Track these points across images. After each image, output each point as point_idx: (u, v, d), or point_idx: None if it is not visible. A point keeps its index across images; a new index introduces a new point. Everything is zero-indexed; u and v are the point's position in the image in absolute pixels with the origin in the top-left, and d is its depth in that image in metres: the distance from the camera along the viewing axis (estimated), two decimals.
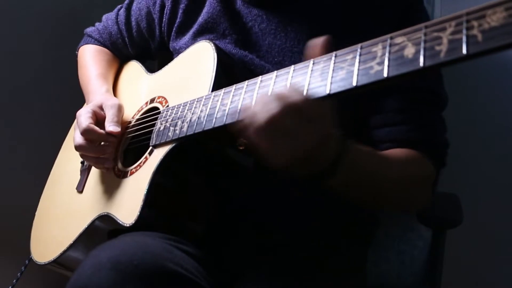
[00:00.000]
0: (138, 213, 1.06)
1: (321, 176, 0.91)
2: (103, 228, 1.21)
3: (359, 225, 1.26)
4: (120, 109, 1.27)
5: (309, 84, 0.82)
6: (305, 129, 0.81)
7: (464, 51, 0.62)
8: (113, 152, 1.25)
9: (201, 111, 1.03)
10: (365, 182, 1.00)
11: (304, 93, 0.82)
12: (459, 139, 1.74)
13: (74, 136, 1.24)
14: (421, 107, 1.13)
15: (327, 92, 0.78)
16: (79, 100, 1.45)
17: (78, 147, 1.23)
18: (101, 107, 1.27)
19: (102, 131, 1.21)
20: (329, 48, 0.85)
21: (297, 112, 0.80)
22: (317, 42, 0.87)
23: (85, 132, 1.20)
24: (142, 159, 1.16)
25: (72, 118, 1.32)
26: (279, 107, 0.80)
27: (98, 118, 1.25)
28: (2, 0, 1.73)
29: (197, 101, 1.06)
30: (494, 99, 1.80)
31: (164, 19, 1.37)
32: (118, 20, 1.50)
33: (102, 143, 1.23)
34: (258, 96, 0.89)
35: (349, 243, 1.24)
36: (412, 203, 1.15)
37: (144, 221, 1.07)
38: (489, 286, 1.82)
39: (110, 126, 1.21)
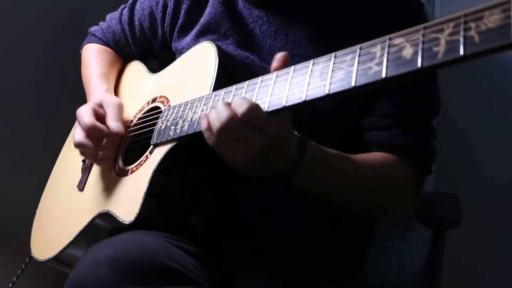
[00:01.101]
0: (138, 211, 1.06)
1: (282, 177, 0.96)
2: (103, 226, 1.22)
3: (359, 225, 1.26)
4: (120, 107, 1.28)
5: (308, 84, 0.83)
6: (251, 134, 0.89)
7: (461, 52, 0.62)
8: (113, 150, 1.26)
9: (202, 111, 1.03)
10: (329, 184, 1.04)
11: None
12: (459, 139, 1.75)
13: (75, 133, 1.24)
14: (409, 113, 1.14)
15: (326, 92, 0.79)
16: (79, 100, 1.44)
17: (78, 144, 1.23)
18: (100, 105, 1.28)
19: (105, 128, 1.22)
20: (287, 62, 0.94)
21: (242, 120, 0.89)
22: (277, 56, 0.95)
23: (89, 129, 1.20)
24: (143, 157, 1.16)
25: (72, 118, 1.32)
26: (228, 115, 0.89)
27: (98, 116, 1.25)
28: (2, 0, 1.73)
29: (198, 101, 1.07)
30: (494, 99, 1.80)
31: (166, 19, 1.38)
32: (122, 19, 1.51)
33: (104, 140, 1.23)
34: (213, 106, 0.98)
35: (349, 243, 1.24)
36: (385, 207, 1.16)
37: (143, 219, 1.07)
38: (489, 286, 1.82)
39: (114, 125, 1.22)
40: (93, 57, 1.51)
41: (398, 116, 1.14)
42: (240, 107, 0.89)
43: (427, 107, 1.17)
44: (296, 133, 0.97)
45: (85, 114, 1.23)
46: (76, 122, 1.27)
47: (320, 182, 1.02)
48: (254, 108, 0.88)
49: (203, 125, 0.95)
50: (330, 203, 1.10)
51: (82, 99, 1.45)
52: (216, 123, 0.91)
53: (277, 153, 0.92)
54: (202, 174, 1.16)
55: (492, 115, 1.79)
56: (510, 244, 1.78)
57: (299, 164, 0.95)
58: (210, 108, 1.02)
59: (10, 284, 1.53)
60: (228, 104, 0.91)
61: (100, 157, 1.25)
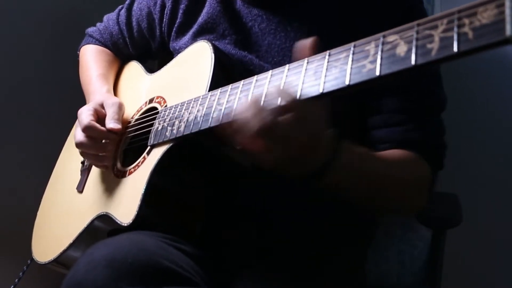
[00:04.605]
0: (136, 213, 1.06)
1: (314, 175, 0.92)
2: (103, 228, 1.22)
3: (358, 225, 1.25)
4: (120, 107, 1.28)
5: (303, 83, 0.82)
6: (297, 131, 0.83)
7: (455, 48, 0.61)
8: (113, 150, 1.26)
9: (197, 111, 1.03)
10: (359, 182, 1.01)
11: (298, 93, 0.83)
12: (459, 139, 1.74)
13: (75, 133, 1.25)
14: (419, 108, 1.13)
15: (320, 91, 0.78)
16: (79, 100, 1.45)
17: (78, 144, 1.24)
18: (102, 105, 1.28)
19: (103, 128, 1.22)
20: (316, 49, 0.87)
21: (289, 115, 0.82)
22: (305, 43, 0.89)
23: (86, 129, 1.21)
24: (141, 158, 1.16)
25: (72, 118, 1.33)
26: (272, 114, 0.82)
27: (99, 116, 1.26)
28: (2, 0, 1.73)
29: (194, 101, 1.07)
30: (494, 99, 1.79)
31: (164, 19, 1.38)
32: (119, 20, 1.51)
33: (103, 140, 1.24)
34: (251, 100, 0.89)
35: (349, 243, 1.24)
36: (408, 204, 1.14)
37: (142, 220, 1.07)
38: (489, 286, 1.82)
39: (111, 123, 1.23)
40: (92, 58, 1.51)
41: (408, 112, 1.12)
42: (287, 99, 0.82)
43: (435, 102, 1.16)
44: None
45: (84, 114, 1.24)
46: (77, 122, 1.28)
47: (350, 181, 0.99)
48: (302, 99, 0.83)
49: (238, 127, 0.87)
50: (356, 202, 1.08)
51: (82, 99, 1.45)
52: (255, 124, 0.84)
53: (317, 148, 0.89)
54: (200, 175, 1.16)
55: (492, 115, 1.79)
56: (510, 244, 1.78)
57: (335, 161, 0.92)
58: (202, 111, 1.01)
59: (12, 286, 1.53)
60: (269, 98, 0.85)
61: (100, 157, 1.25)
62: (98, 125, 1.22)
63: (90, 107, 1.26)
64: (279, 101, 0.83)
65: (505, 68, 1.76)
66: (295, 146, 0.85)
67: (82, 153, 1.27)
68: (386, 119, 1.14)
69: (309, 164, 0.91)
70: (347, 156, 0.93)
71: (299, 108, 0.83)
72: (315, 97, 0.81)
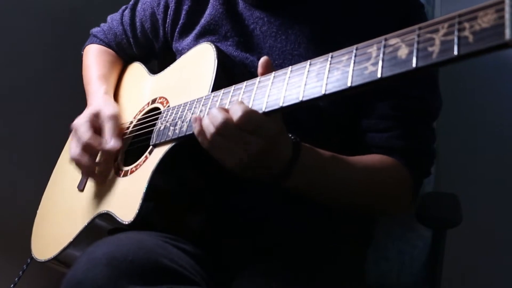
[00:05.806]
0: (137, 211, 1.07)
1: (277, 178, 0.97)
2: (103, 226, 1.22)
3: (357, 225, 1.26)
4: (116, 119, 1.26)
5: (305, 84, 0.83)
6: (247, 137, 0.89)
7: (455, 52, 0.62)
8: (109, 165, 1.25)
9: (200, 111, 1.04)
10: (323, 185, 1.05)
11: (248, 106, 0.89)
12: (459, 139, 1.74)
13: (71, 146, 1.24)
14: (408, 115, 1.15)
15: (323, 92, 0.79)
16: (79, 100, 1.45)
17: (74, 159, 1.23)
18: (97, 116, 1.26)
19: (100, 144, 1.21)
20: (269, 68, 0.94)
21: (238, 126, 0.89)
22: (260, 62, 0.96)
23: (85, 146, 1.20)
24: (142, 158, 1.17)
25: (72, 118, 1.32)
26: (223, 119, 0.89)
27: (95, 128, 1.25)
28: (2, 0, 1.73)
29: (197, 101, 1.08)
30: (494, 99, 1.79)
31: (167, 20, 1.39)
32: (123, 20, 1.52)
33: (99, 156, 1.23)
34: (210, 107, 0.99)
35: (348, 243, 1.24)
36: (381, 207, 1.18)
37: (143, 219, 1.08)
38: (489, 286, 1.82)
39: (111, 142, 1.21)
40: (94, 59, 1.51)
41: (396, 118, 1.14)
42: (235, 114, 0.88)
43: (426, 110, 1.17)
44: (290, 135, 0.97)
45: (82, 128, 1.23)
46: (72, 133, 1.27)
47: (313, 183, 1.03)
48: (249, 114, 0.88)
49: (196, 129, 0.96)
50: (324, 203, 1.10)
51: (83, 99, 1.45)
52: (210, 127, 0.92)
53: (273, 155, 0.93)
54: (201, 174, 1.16)
55: (492, 115, 1.79)
56: (510, 244, 1.78)
57: (294, 165, 0.96)
58: (204, 111, 1.03)
59: (12, 285, 1.53)
60: (223, 109, 0.92)
61: (96, 172, 1.24)
62: (95, 143, 1.20)
63: (85, 120, 1.25)
64: (220, 118, 0.89)
65: (505, 68, 1.76)
66: (244, 151, 0.91)
67: (78, 166, 1.25)
68: (374, 124, 1.15)
69: (269, 167, 0.95)
70: (307, 160, 0.98)
71: (246, 121, 0.88)
72: (271, 111, 0.88)
